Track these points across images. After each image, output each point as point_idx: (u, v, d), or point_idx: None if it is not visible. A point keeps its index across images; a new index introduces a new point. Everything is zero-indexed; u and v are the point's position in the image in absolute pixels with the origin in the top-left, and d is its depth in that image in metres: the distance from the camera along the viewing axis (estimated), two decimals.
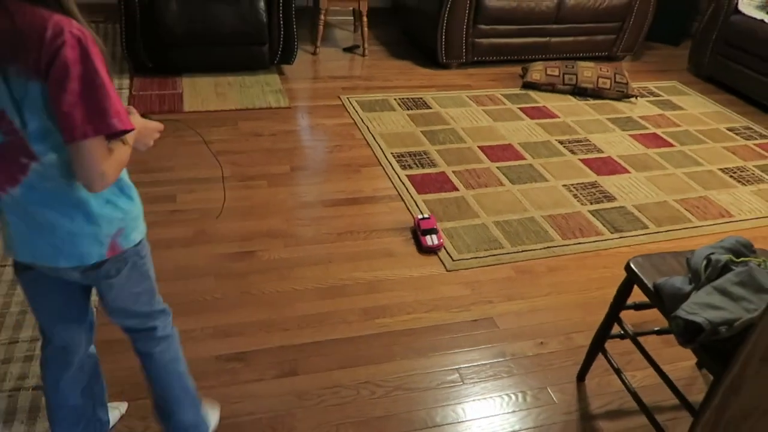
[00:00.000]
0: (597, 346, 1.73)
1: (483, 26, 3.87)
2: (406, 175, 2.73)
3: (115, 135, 1.04)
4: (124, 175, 1.18)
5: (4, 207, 1.11)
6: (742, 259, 1.43)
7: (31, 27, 0.95)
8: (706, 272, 1.40)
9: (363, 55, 4.08)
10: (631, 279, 1.57)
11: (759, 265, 1.40)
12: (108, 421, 1.50)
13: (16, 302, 1.87)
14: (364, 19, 3.96)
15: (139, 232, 1.22)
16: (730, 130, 3.48)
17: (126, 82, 3.37)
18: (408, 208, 2.51)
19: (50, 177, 1.06)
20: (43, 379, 1.36)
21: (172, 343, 1.41)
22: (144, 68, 3.42)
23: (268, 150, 2.86)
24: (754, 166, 3.10)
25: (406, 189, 2.63)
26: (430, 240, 2.27)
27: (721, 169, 3.04)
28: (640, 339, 1.67)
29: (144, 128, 1.25)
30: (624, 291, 1.62)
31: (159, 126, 1.29)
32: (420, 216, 2.38)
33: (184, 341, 1.79)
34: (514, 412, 1.69)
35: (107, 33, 4.03)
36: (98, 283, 1.23)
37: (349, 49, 4.16)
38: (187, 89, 3.33)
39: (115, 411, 1.58)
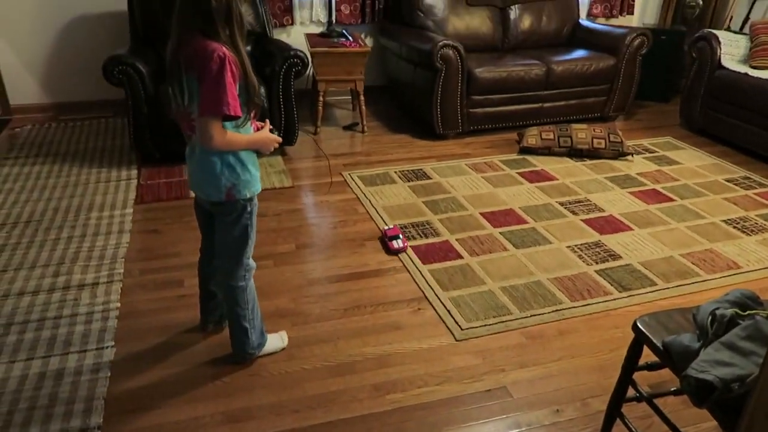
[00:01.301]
0: (614, 411, 1.69)
1: (476, 97, 4.01)
2: (411, 246, 2.76)
3: (227, 118, 1.62)
4: (246, 154, 1.76)
5: (187, 155, 1.81)
6: (748, 312, 1.42)
7: (200, 50, 1.58)
8: (713, 328, 1.39)
9: (362, 131, 4.21)
10: (640, 339, 1.56)
11: (766, 318, 1.39)
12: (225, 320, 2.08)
13: (24, 398, 1.86)
14: (361, 97, 4.11)
15: (248, 191, 1.79)
16: (728, 181, 3.52)
17: (134, 172, 3.48)
18: (414, 279, 2.52)
19: (197, 140, 1.69)
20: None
21: (239, 294, 1.91)
22: (152, 158, 3.54)
23: (273, 230, 2.91)
24: (756, 215, 3.11)
25: (411, 260, 2.65)
26: (396, 243, 2.71)
27: (724, 221, 3.05)
28: (658, 401, 1.63)
29: (266, 137, 1.80)
30: (634, 352, 1.60)
31: (278, 139, 1.85)
32: (386, 227, 2.87)
33: (193, 429, 1.78)
34: None
35: (116, 127, 4.20)
36: (216, 216, 1.85)
37: (348, 127, 4.30)
38: (188, 174, 3.42)
39: (276, 336, 2.11)
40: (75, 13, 4.16)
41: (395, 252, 2.70)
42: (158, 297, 2.38)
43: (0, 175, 3.43)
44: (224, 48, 1.58)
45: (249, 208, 1.82)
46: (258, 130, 1.83)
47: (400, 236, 2.75)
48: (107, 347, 2.10)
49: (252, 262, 1.94)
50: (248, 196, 1.79)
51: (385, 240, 2.77)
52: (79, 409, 1.83)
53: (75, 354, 2.06)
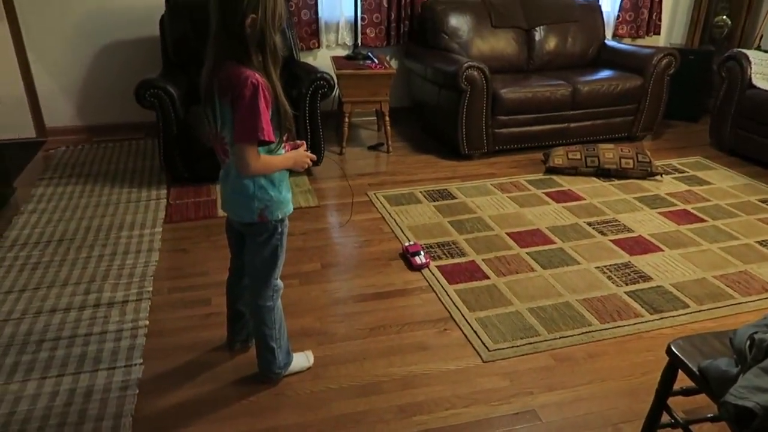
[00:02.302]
0: None
1: (501, 117, 4.00)
2: (436, 266, 2.74)
3: (261, 143, 1.63)
4: (280, 175, 1.79)
5: (221, 177, 1.84)
6: None
7: (234, 76, 1.59)
8: (752, 353, 1.35)
9: (387, 152, 4.23)
10: (674, 363, 1.52)
11: None
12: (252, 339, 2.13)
13: (54, 414, 1.89)
14: (387, 118, 4.14)
15: (281, 212, 1.81)
16: (762, 201, 3.44)
17: (163, 192, 3.54)
18: (440, 299, 2.51)
19: (232, 164, 1.72)
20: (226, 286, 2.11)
21: (267, 314, 1.93)
22: (181, 178, 3.60)
23: (300, 249, 2.92)
24: None
25: (437, 280, 2.64)
26: (419, 259, 2.72)
27: (758, 242, 2.98)
28: (694, 427, 1.59)
29: (299, 154, 1.82)
30: (668, 376, 1.56)
31: (311, 156, 1.87)
32: (407, 243, 2.85)
33: None
34: None
35: (146, 148, 4.29)
36: (247, 237, 1.87)
37: (373, 147, 4.33)
38: (221, 196, 3.48)
39: (302, 356, 2.12)
40: (110, 39, 4.30)
41: (418, 268, 2.70)
42: (186, 315, 2.40)
43: (35, 195, 3.52)
44: (257, 75, 1.59)
45: (280, 229, 1.84)
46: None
47: (422, 252, 2.76)
48: (136, 365, 2.11)
49: (280, 283, 1.96)
50: (280, 217, 1.81)
51: (407, 256, 2.78)
52: (108, 426, 1.85)
53: (104, 371, 2.08)
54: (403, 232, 3.07)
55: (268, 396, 1.99)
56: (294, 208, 3.32)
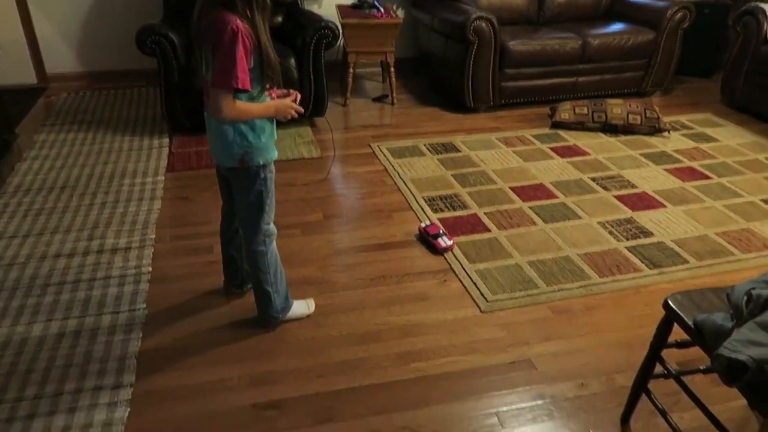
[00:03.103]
0: (640, 387, 1.67)
1: (509, 70, 3.93)
2: (438, 219, 2.74)
3: (237, 91, 1.62)
4: (261, 122, 1.76)
5: (206, 123, 1.83)
6: None
7: (216, 21, 1.58)
8: (748, 308, 1.36)
9: (392, 104, 4.18)
10: (671, 316, 1.53)
11: None
12: (247, 284, 2.20)
13: (61, 355, 1.93)
14: (392, 69, 4.07)
15: (262, 158, 1.80)
16: None
17: (165, 140, 3.52)
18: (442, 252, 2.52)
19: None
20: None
21: (260, 258, 1.94)
22: (182, 127, 3.57)
23: (302, 199, 2.93)
24: None
25: None
26: (443, 242, 2.49)
27: (763, 200, 2.96)
28: (687, 378, 1.61)
29: (281, 104, 1.79)
30: (664, 329, 1.57)
31: (297, 108, 1.82)
32: (423, 224, 2.60)
33: (219, 391, 1.82)
34: None
35: (148, 96, 4.25)
36: (232, 182, 1.88)
37: (378, 99, 4.27)
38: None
39: (302, 303, 2.14)
40: None
41: (443, 251, 2.47)
42: (188, 262, 2.43)
43: (37, 141, 3.51)
44: (239, 21, 1.58)
45: (263, 175, 1.84)
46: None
47: (443, 232, 2.54)
48: (139, 309, 2.15)
49: (272, 228, 1.96)
50: (261, 163, 1.81)
51: (427, 239, 2.54)
52: (113, 367, 1.89)
53: (108, 315, 2.12)
54: (406, 185, 3.06)
55: (269, 341, 2.03)
56: (296, 159, 3.36)
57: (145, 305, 2.17)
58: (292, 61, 3.53)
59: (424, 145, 3.53)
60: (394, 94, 4.17)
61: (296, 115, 1.84)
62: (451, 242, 2.52)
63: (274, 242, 1.99)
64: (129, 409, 1.74)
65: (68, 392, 1.79)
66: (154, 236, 2.59)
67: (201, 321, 2.12)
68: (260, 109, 1.74)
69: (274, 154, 1.85)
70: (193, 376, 1.88)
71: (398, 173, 3.18)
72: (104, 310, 2.15)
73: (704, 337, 1.41)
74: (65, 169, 3.19)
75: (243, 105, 1.68)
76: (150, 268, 2.38)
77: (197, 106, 3.49)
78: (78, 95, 4.24)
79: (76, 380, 1.84)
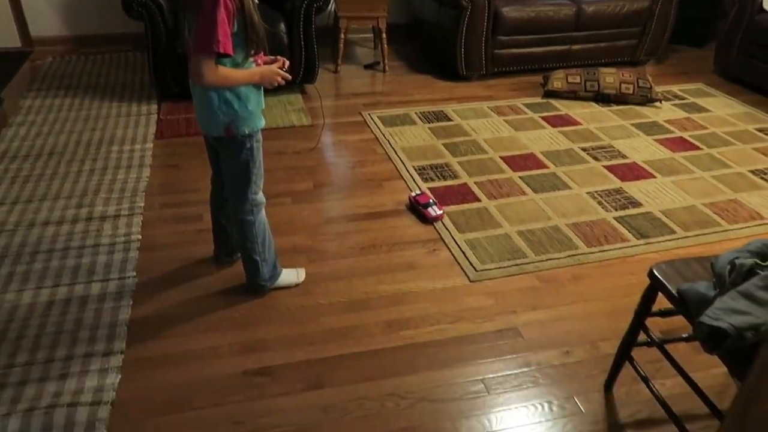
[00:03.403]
0: (623, 355, 1.71)
1: (502, 37, 3.88)
2: (428, 188, 2.74)
3: (219, 56, 1.59)
4: (246, 89, 1.73)
5: (191, 90, 1.78)
6: None
7: None
8: (731, 277, 1.38)
9: (383, 71, 4.13)
10: (655, 285, 1.55)
11: None
12: (236, 252, 2.18)
13: (51, 323, 1.94)
14: (384, 36, 4.01)
15: (248, 127, 1.78)
16: (759, 130, 3.41)
17: (154, 107, 3.48)
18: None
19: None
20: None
21: (248, 228, 1.94)
22: (171, 94, 3.52)
23: (292, 168, 2.91)
24: None
25: None
26: (433, 211, 2.48)
27: (751, 171, 2.98)
28: (669, 346, 1.64)
29: (267, 70, 1.75)
30: (648, 298, 1.60)
31: (283, 75, 1.78)
32: (414, 194, 2.60)
33: (210, 358, 1.84)
34: (540, 422, 1.68)
35: (135, 61, 4.17)
36: (219, 151, 1.89)
37: (369, 66, 4.22)
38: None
39: (292, 272, 2.15)
40: None
41: (433, 221, 2.48)
42: (178, 230, 2.43)
43: (23, 107, 3.45)
44: None
45: (249, 144, 1.82)
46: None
47: (433, 202, 2.56)
48: (129, 277, 2.15)
49: (260, 197, 1.94)
50: (247, 132, 1.79)
51: (417, 208, 2.55)
52: (103, 335, 1.90)
53: (98, 283, 2.12)
54: (397, 153, 3.05)
55: (259, 308, 2.04)
56: (286, 127, 3.33)
57: (135, 273, 2.18)
58: (282, 26, 3.46)
59: (416, 113, 3.50)
60: (386, 61, 4.12)
61: (283, 83, 1.79)
62: (441, 212, 2.52)
63: (263, 211, 1.98)
64: (120, 376, 1.76)
65: (59, 359, 1.81)
66: (143, 204, 2.58)
67: (191, 289, 2.13)
68: (244, 76, 1.70)
69: (261, 123, 1.83)
70: (184, 343, 1.90)
71: (389, 142, 3.17)
72: (94, 277, 2.15)
73: (687, 305, 1.43)
74: (52, 136, 3.14)
75: (225, 71, 1.64)
76: (139, 236, 2.37)
77: (186, 72, 3.44)
78: (64, 60, 4.16)
79: (67, 347, 1.85)
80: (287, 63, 1.83)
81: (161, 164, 2.92)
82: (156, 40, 3.33)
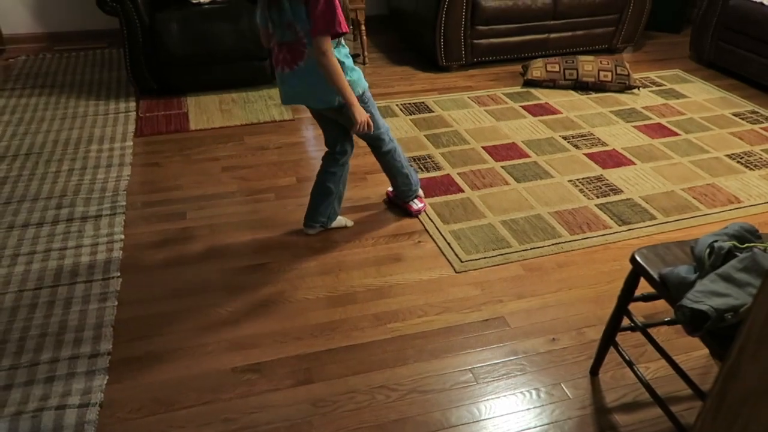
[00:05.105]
0: (608, 340, 1.73)
1: (481, 27, 3.89)
2: None
3: (337, 35, 1.87)
4: (343, 65, 1.95)
5: (287, 78, 2.02)
6: (746, 245, 1.43)
7: None
8: (710, 260, 1.41)
9: (363, 63, 4.12)
10: (637, 271, 1.58)
11: (764, 251, 1.40)
12: (336, 214, 2.39)
13: (35, 326, 1.92)
14: (363, 27, 4.00)
15: (360, 88, 2.05)
16: (735, 115, 3.47)
17: (132, 104, 3.43)
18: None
19: (312, 58, 1.92)
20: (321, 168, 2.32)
21: (393, 154, 2.33)
22: (149, 90, 3.48)
23: (275, 163, 2.90)
24: (761, 150, 3.08)
25: None
26: (415, 205, 2.51)
27: (728, 155, 3.03)
28: (652, 330, 1.67)
29: (361, 111, 2.03)
30: (631, 283, 1.62)
31: (365, 129, 2.06)
32: (391, 188, 2.59)
33: (199, 356, 1.83)
34: (528, 409, 1.70)
35: (111, 58, 4.11)
36: (341, 119, 2.12)
37: None
38: (192, 108, 3.39)
39: (342, 219, 2.42)
40: None
41: (416, 214, 2.50)
42: (161, 229, 2.41)
43: None
44: None
45: (365, 101, 2.08)
46: None
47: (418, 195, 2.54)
48: (113, 277, 2.13)
49: (389, 131, 2.30)
50: (361, 92, 2.05)
51: (397, 203, 2.55)
52: (89, 336, 1.89)
53: (82, 284, 2.10)
54: None
55: (246, 306, 2.04)
56: (269, 122, 3.31)
57: (119, 273, 2.16)
58: None
59: (397, 105, 3.50)
60: (366, 53, 4.11)
61: (364, 130, 2.06)
62: (423, 204, 2.53)
63: (394, 138, 2.33)
64: (107, 377, 1.75)
65: (45, 362, 1.79)
66: (125, 203, 2.55)
67: (176, 288, 2.11)
68: (345, 82, 1.95)
69: (366, 83, 2.10)
70: (171, 342, 1.89)
71: None
72: (77, 279, 2.13)
73: (669, 289, 1.46)
74: (29, 136, 3.09)
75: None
76: (122, 236, 2.35)
77: (163, 68, 3.41)
78: (38, 58, 4.08)
79: (52, 350, 1.83)
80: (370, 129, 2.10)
81: (142, 162, 2.89)
82: (132, 36, 3.29)
